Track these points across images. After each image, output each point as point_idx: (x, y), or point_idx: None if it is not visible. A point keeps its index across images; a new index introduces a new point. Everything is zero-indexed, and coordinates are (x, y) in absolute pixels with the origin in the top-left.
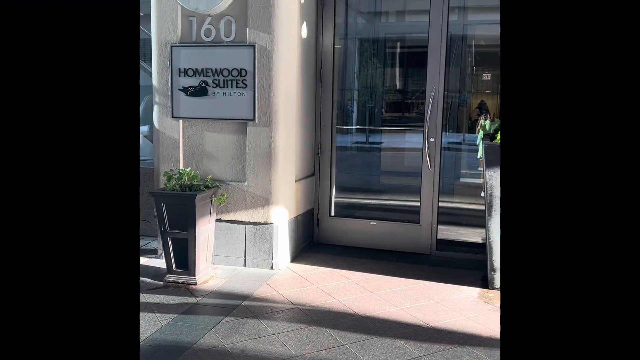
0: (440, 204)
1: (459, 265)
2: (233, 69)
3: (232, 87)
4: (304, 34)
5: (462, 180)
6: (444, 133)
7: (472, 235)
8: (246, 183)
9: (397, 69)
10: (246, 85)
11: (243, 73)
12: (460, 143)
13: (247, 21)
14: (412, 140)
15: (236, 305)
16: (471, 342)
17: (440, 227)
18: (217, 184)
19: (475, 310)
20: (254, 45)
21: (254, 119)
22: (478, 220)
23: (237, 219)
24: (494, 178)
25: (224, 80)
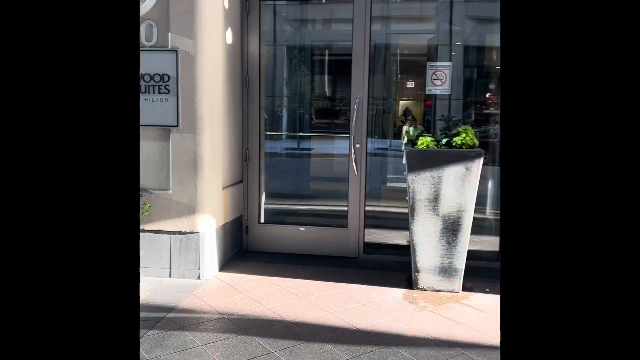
0: (368, 208)
1: (385, 267)
2: (155, 74)
3: (154, 92)
4: (229, 39)
5: (388, 184)
6: (370, 139)
7: (397, 237)
8: (170, 191)
9: (325, 76)
10: (169, 91)
11: (165, 78)
12: (386, 149)
13: (169, 26)
14: (340, 146)
15: (161, 318)
16: (396, 342)
17: (367, 230)
18: (140, 192)
19: (400, 310)
20: (176, 50)
21: (177, 125)
22: (403, 222)
23: (162, 229)
24: (415, 182)
25: (145, 86)
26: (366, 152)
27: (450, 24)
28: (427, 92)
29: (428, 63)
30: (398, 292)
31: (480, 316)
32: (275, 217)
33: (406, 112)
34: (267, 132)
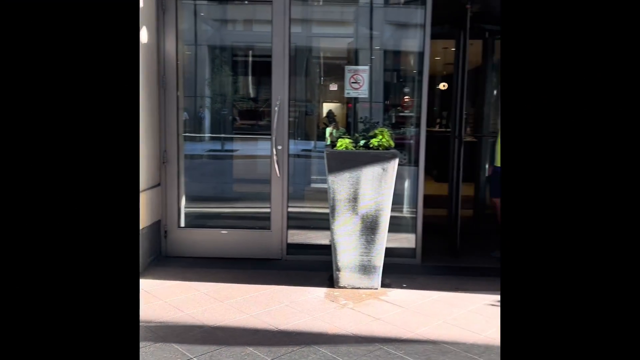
0: (291, 209)
1: (308, 267)
2: None
3: None
4: (144, 39)
5: (312, 185)
6: (294, 141)
7: (321, 237)
8: None
9: (249, 78)
10: None
11: None
12: (311, 150)
13: None
14: (263, 147)
15: None
16: (317, 341)
17: (291, 231)
18: None
19: (322, 309)
20: None
21: None
22: (326, 223)
23: None
24: (335, 183)
25: None
26: (288, 154)
27: (371, 28)
28: (345, 95)
29: (346, 67)
30: (320, 292)
31: (397, 311)
32: (196, 221)
33: (329, 114)
34: (188, 134)
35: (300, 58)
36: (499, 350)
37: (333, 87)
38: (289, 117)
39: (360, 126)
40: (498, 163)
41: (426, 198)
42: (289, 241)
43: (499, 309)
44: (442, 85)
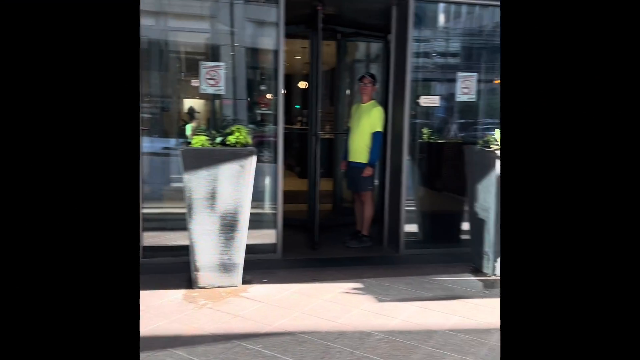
0: (148, 210)
1: (166, 270)
2: None
3: None
4: None
5: (172, 185)
6: (152, 138)
7: (180, 238)
8: None
9: None
10: None
11: None
12: (171, 148)
13: None
14: None
15: None
16: (174, 344)
17: (147, 233)
18: None
19: (180, 311)
20: None
21: None
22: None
23: None
24: (192, 181)
25: None
26: (141, 152)
27: (231, 25)
28: (201, 91)
29: (201, 62)
30: (178, 294)
31: (257, 306)
32: None
33: (190, 110)
34: None
35: (155, 52)
36: (351, 335)
37: (195, 83)
38: (143, 113)
39: (219, 123)
40: (351, 158)
41: (289, 194)
42: (145, 244)
43: (352, 296)
44: (303, 84)
